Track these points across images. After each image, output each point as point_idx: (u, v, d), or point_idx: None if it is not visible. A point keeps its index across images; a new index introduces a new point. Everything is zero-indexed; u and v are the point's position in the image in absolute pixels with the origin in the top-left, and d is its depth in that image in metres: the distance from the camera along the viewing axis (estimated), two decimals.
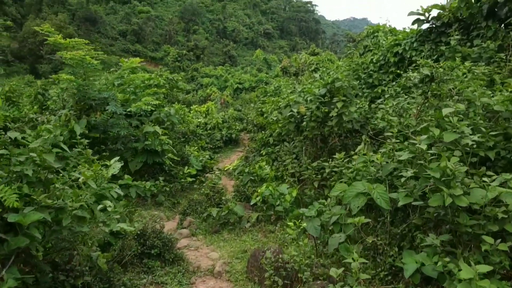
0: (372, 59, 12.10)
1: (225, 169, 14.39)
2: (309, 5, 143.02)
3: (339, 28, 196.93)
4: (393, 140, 6.09)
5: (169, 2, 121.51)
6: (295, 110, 9.35)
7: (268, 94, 15.24)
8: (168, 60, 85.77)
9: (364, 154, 6.84)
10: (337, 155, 7.57)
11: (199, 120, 22.41)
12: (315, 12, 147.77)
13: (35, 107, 13.32)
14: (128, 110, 10.53)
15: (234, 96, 42.35)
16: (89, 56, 9.91)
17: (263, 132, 15.53)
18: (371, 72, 11.82)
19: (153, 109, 11.18)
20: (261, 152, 12.99)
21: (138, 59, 11.83)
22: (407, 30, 12.13)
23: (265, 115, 13.41)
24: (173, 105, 15.62)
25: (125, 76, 12.02)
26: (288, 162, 9.62)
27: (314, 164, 8.54)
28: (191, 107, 24.90)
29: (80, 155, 9.46)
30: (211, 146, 20.87)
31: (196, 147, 16.78)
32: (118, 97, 10.67)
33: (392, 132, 6.42)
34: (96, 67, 10.31)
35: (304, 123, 9.09)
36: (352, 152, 7.58)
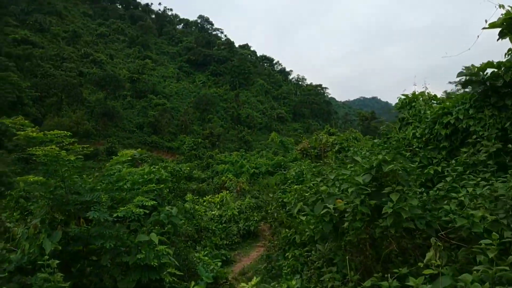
0: (414, 134, 9.80)
1: None
2: (319, 88, 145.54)
3: (350, 108, 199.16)
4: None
5: (184, 94, 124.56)
6: (331, 206, 6.86)
7: (289, 181, 12.90)
8: (184, 149, 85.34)
9: (438, 266, 4.42)
10: (400, 270, 5.02)
11: (213, 212, 19.97)
12: (325, 94, 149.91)
13: (15, 213, 11.14)
14: (115, 215, 8.15)
15: (251, 181, 40.01)
16: (64, 152, 7.77)
17: (286, 230, 13.08)
18: (416, 149, 9.44)
19: (148, 211, 8.86)
20: (287, 254, 10.31)
21: (131, 151, 9.73)
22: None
23: (287, 208, 10.95)
24: (178, 202, 13.29)
25: (119, 172, 9.86)
26: (327, 278, 6.93)
27: (368, 284, 5.87)
28: (205, 197, 22.57)
29: (47, 283, 7.01)
30: (227, 242, 18.19)
31: (208, 249, 14.20)
32: (104, 199, 8.36)
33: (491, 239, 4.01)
34: (75, 163, 8.16)
35: (346, 223, 6.57)
36: (420, 264, 5.00)
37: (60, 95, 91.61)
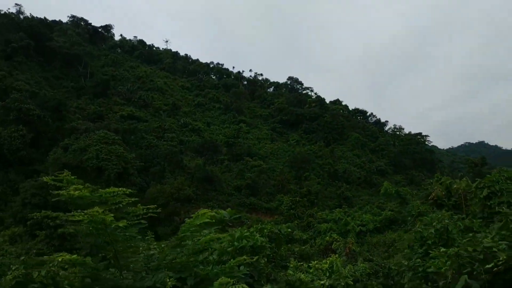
0: None
1: None
2: (419, 136, 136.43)
3: (455, 156, 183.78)
4: None
5: (279, 154, 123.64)
6: None
7: (428, 241, 9.25)
8: (282, 209, 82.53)
9: None
10: None
11: (322, 282, 16.39)
12: (426, 143, 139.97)
13: None
14: None
15: (358, 241, 35.63)
16: (111, 216, 5.21)
17: None
18: None
19: None
20: None
21: (207, 210, 6.98)
22: None
23: (440, 284, 7.36)
24: (280, 274, 10.22)
25: (195, 239, 7.17)
26: None
27: None
28: (311, 263, 19.05)
29: None
30: None
31: None
32: (171, 283, 5.61)
33: None
34: (130, 233, 5.60)
35: None
36: None
37: (162, 164, 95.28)
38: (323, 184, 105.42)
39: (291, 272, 16.36)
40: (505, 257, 5.33)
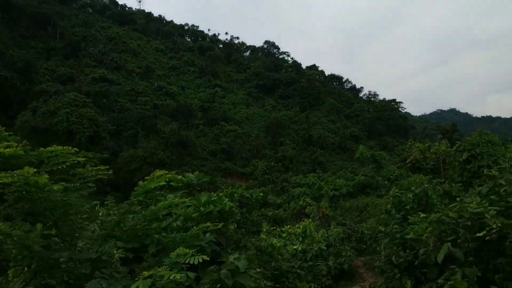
0: None
1: None
2: (393, 103, 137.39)
3: (427, 122, 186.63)
4: None
5: (255, 119, 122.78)
6: None
7: (407, 207, 8.71)
8: (257, 174, 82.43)
9: None
10: None
11: (295, 247, 15.99)
12: (400, 109, 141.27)
13: None
14: None
15: (331, 205, 35.67)
16: (45, 176, 4.31)
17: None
18: None
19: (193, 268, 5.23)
20: None
21: (164, 172, 6.11)
22: None
23: (420, 251, 6.82)
24: (251, 240, 9.59)
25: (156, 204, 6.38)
26: None
27: None
28: (284, 227, 18.63)
29: None
30: (316, 286, 14.10)
31: None
32: (118, 254, 4.80)
33: None
34: (70, 197, 4.71)
35: None
36: None
37: (136, 128, 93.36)
38: (298, 150, 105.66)
39: (263, 236, 15.93)
40: (499, 225, 4.74)
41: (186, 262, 4.60)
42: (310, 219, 20.28)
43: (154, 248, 6.87)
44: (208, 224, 6.21)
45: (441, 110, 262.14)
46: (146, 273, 4.29)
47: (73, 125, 69.10)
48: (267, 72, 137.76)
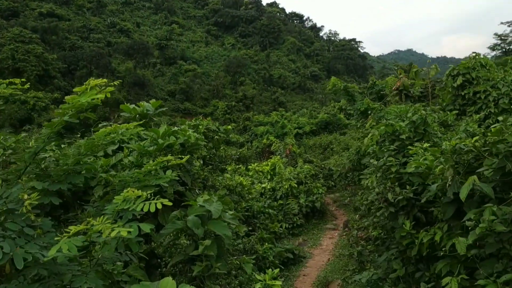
0: None
1: None
2: (353, 42, 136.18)
3: (385, 62, 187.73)
4: None
5: (214, 58, 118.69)
6: None
7: (404, 136, 7.48)
8: (218, 114, 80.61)
9: None
10: None
11: (263, 185, 14.83)
12: (359, 48, 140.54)
13: None
14: (45, 258, 2.99)
15: (295, 143, 34.79)
16: None
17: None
18: None
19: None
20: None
21: (100, 80, 4.38)
22: None
23: (432, 187, 5.64)
24: (218, 178, 8.17)
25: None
26: None
27: None
28: (250, 166, 17.38)
29: None
30: (287, 225, 13.11)
31: (267, 244, 9.17)
32: (30, 200, 3.22)
33: None
34: None
35: None
36: None
37: (89, 67, 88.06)
38: (259, 89, 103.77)
39: (228, 176, 14.65)
40: None
41: (139, 209, 3.06)
42: (278, 156, 19.13)
43: (101, 191, 5.32)
44: (170, 157, 4.64)
45: (398, 50, 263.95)
46: (73, 228, 2.74)
47: (19, 62, 63.90)
48: (226, 8, 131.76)
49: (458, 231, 5.42)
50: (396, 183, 7.03)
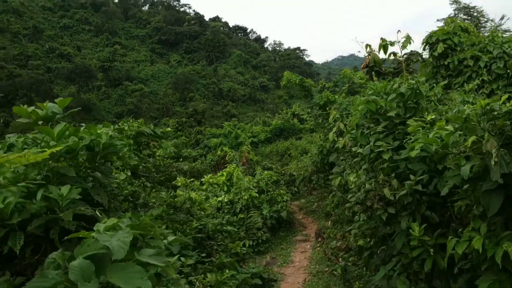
0: None
1: None
2: (297, 51, 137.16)
3: (330, 68, 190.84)
4: None
5: (161, 76, 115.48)
6: None
7: (392, 113, 5.71)
8: (169, 131, 77.25)
9: None
10: None
11: (219, 199, 12.71)
12: (304, 56, 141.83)
13: None
14: None
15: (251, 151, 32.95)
16: None
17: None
18: None
19: None
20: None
21: None
22: None
23: (466, 168, 3.81)
24: (157, 197, 6.08)
25: None
26: None
27: None
28: (203, 178, 15.18)
29: None
30: (251, 242, 11.04)
31: (228, 271, 7.09)
32: None
33: None
34: None
35: None
36: None
37: (29, 94, 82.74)
38: (209, 104, 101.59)
39: (180, 192, 12.49)
40: None
41: None
42: (234, 165, 17.07)
43: None
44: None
45: (342, 56, 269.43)
46: None
47: None
48: (169, 26, 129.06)
49: (506, 232, 3.61)
50: (392, 175, 5.18)
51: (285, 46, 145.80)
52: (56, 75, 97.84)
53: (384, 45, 8.54)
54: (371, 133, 5.51)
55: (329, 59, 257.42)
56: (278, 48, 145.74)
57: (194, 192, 15.00)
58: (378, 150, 5.28)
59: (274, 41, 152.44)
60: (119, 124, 7.31)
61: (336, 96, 13.22)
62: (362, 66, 8.57)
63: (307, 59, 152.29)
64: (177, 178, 17.56)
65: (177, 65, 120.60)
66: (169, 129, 7.61)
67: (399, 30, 8.07)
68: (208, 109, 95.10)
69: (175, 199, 7.44)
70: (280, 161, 29.26)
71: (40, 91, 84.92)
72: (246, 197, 12.17)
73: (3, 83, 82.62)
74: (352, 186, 7.26)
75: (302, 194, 17.33)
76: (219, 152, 31.05)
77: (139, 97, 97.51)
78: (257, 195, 12.43)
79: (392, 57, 8.50)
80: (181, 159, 31.95)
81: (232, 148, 33.97)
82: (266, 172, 15.02)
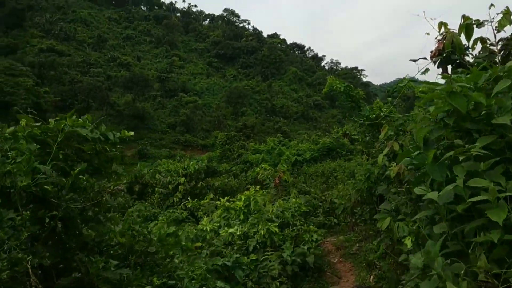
0: None
1: None
2: (355, 71, 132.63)
3: (388, 91, 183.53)
4: None
5: (215, 89, 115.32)
6: None
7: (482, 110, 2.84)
8: (217, 145, 75.98)
9: None
10: None
11: (231, 230, 9.83)
12: (362, 77, 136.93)
13: None
14: None
15: (293, 172, 29.88)
16: None
17: None
18: None
19: None
20: None
21: None
22: None
23: None
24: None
25: None
26: None
27: None
28: (217, 202, 12.34)
29: None
30: None
31: None
32: None
33: None
34: None
35: None
36: None
37: (87, 100, 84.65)
38: (261, 120, 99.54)
39: (204, 223, 9.89)
40: None
41: None
42: (265, 187, 14.17)
43: None
44: None
45: (400, 79, 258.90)
46: None
47: (8, 95, 60.16)
48: (227, 41, 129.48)
49: None
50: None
51: (342, 65, 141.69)
52: (114, 83, 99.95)
53: (467, 25, 5.38)
54: (459, 158, 2.46)
55: (387, 81, 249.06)
56: (335, 67, 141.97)
57: (206, 216, 12.24)
58: (472, 200, 2.22)
59: (331, 60, 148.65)
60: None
61: (392, 108, 10.13)
62: (431, 54, 5.42)
63: (364, 79, 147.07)
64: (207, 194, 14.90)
65: (233, 79, 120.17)
66: (131, 132, 4.80)
67: (492, 4, 4.98)
68: (259, 125, 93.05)
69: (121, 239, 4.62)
70: (325, 184, 25.92)
71: (97, 98, 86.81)
72: (262, 232, 9.22)
73: (64, 88, 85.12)
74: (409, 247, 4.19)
75: (342, 227, 14.07)
76: (258, 169, 28.26)
77: (193, 109, 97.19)
78: (277, 230, 9.43)
79: (479, 44, 5.39)
80: (216, 174, 29.54)
81: (274, 165, 31.07)
82: (294, 200, 11.95)
